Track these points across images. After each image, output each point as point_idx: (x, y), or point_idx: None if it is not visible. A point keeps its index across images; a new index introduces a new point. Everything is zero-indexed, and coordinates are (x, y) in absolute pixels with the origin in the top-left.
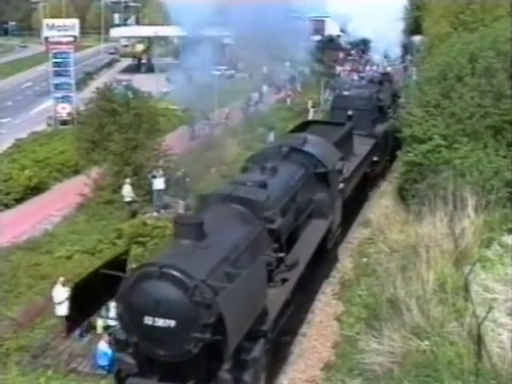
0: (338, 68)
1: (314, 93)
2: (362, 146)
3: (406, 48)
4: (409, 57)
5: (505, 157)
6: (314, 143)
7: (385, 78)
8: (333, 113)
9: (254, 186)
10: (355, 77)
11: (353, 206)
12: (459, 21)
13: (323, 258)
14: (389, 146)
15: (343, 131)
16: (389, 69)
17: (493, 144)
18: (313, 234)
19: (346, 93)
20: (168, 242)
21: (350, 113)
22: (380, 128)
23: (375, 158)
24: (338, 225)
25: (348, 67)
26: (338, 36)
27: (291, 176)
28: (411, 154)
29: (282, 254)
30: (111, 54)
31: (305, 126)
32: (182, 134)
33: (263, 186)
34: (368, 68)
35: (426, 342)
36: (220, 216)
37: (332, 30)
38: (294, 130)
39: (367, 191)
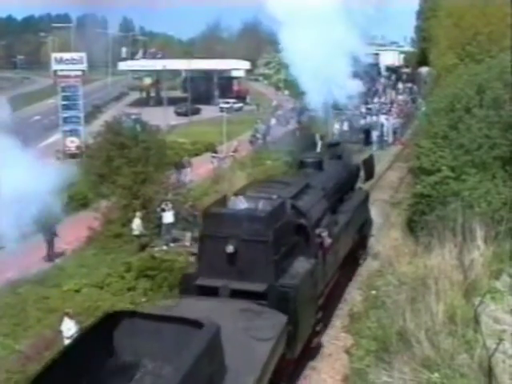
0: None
1: (322, 125)
2: (249, 349)
3: (414, 79)
4: (415, 88)
5: None
6: None
7: (329, 156)
8: (201, 249)
9: None
10: (363, 109)
11: None
12: (466, 52)
13: None
14: (315, 302)
15: (196, 352)
16: (400, 98)
17: (501, 175)
18: None
19: (233, 204)
20: None
21: (230, 250)
22: (298, 270)
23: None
24: None
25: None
26: None
27: None
28: (419, 186)
29: None
30: None
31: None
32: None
33: None
34: (376, 100)
35: (437, 375)
36: None
37: None
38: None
39: None
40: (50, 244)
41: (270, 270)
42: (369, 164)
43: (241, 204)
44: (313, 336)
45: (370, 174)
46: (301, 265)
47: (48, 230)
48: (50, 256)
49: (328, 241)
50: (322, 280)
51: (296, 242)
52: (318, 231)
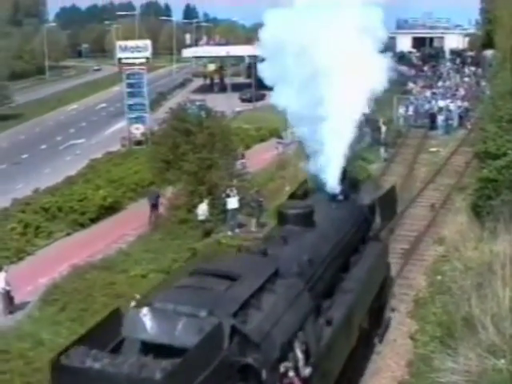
0: (411, 85)
1: (386, 109)
2: None
3: (479, 63)
4: (480, 71)
5: None
6: None
7: (327, 197)
8: None
9: None
10: (427, 93)
11: None
12: None
13: None
14: None
15: None
16: (465, 80)
17: None
18: None
19: (130, 327)
20: None
21: None
22: None
23: None
24: None
25: (420, 83)
26: (410, 52)
27: None
28: (485, 170)
29: None
30: None
31: None
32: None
33: None
34: (440, 84)
35: (503, 361)
36: None
37: (403, 46)
38: None
39: None
40: (154, 208)
41: None
42: (388, 201)
43: (145, 322)
44: None
45: (390, 215)
46: None
47: (153, 195)
48: (155, 218)
49: (305, 372)
50: None
51: None
52: (282, 368)
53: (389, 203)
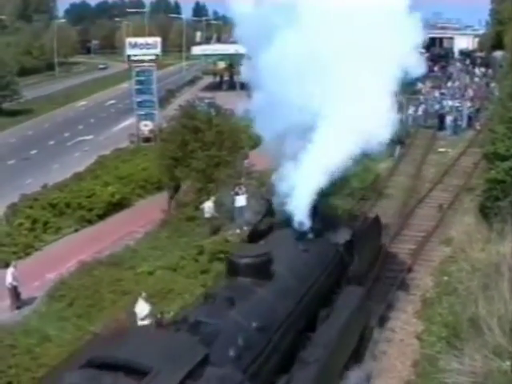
0: (420, 85)
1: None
2: None
3: (489, 63)
4: (490, 72)
5: None
6: None
7: (294, 235)
8: None
9: None
10: (436, 93)
11: None
12: None
13: None
14: None
15: None
16: (475, 80)
17: None
18: None
19: None
20: None
21: None
22: None
23: None
24: None
25: (429, 84)
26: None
27: None
28: (493, 172)
29: None
30: None
31: None
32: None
33: None
34: (450, 84)
35: (508, 363)
36: None
37: None
38: None
39: None
40: (172, 199)
41: None
42: (370, 235)
43: None
44: None
45: (372, 251)
46: None
47: (172, 186)
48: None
49: None
50: None
51: None
52: None
53: (371, 238)
